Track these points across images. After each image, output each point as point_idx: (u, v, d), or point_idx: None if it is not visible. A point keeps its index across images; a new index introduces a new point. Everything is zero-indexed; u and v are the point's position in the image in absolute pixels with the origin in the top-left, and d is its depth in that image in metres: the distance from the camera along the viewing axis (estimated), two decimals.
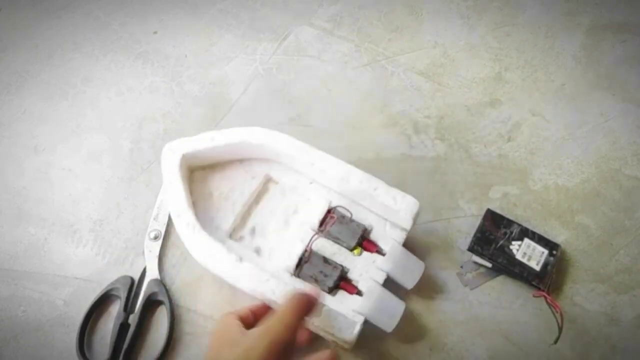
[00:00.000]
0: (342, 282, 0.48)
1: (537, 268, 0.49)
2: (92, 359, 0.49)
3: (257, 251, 0.50)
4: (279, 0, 0.69)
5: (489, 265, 0.50)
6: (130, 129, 0.61)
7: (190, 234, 0.47)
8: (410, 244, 0.49)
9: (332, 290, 0.47)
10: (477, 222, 0.52)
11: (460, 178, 0.56)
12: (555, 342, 0.47)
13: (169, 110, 0.62)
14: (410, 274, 0.48)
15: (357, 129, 0.60)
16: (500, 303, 0.50)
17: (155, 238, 0.54)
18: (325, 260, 0.49)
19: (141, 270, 0.52)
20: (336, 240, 0.49)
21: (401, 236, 0.49)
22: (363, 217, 0.50)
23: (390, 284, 0.48)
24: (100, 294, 0.51)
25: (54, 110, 0.63)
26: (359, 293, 0.47)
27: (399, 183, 0.52)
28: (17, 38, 0.68)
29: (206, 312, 0.50)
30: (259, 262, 0.49)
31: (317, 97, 0.62)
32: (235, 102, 0.62)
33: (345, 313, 0.46)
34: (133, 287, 0.51)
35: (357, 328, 0.45)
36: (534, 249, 0.50)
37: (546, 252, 0.50)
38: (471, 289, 0.51)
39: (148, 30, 0.68)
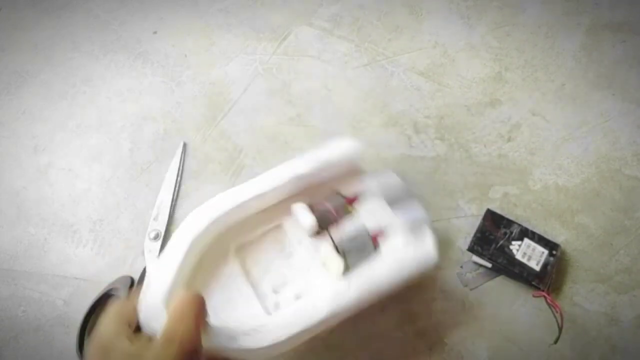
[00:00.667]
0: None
1: (537, 268, 0.49)
2: None
3: (275, 306, 0.45)
4: (278, 0, 0.69)
5: (489, 265, 0.50)
6: (130, 129, 0.61)
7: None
8: None
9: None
10: (477, 222, 0.52)
11: (460, 178, 0.56)
12: (555, 342, 0.47)
13: (169, 110, 0.62)
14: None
15: (357, 129, 0.60)
16: (500, 303, 0.50)
17: (155, 238, 0.54)
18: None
19: (141, 270, 0.52)
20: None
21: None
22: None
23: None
24: (100, 294, 0.51)
25: (53, 110, 0.63)
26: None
27: None
28: (17, 38, 0.68)
29: None
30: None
31: (317, 97, 0.62)
32: (235, 102, 0.62)
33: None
34: (133, 287, 0.51)
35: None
36: (534, 249, 0.50)
37: (546, 252, 0.50)
38: (471, 289, 0.51)
39: (148, 29, 0.68)
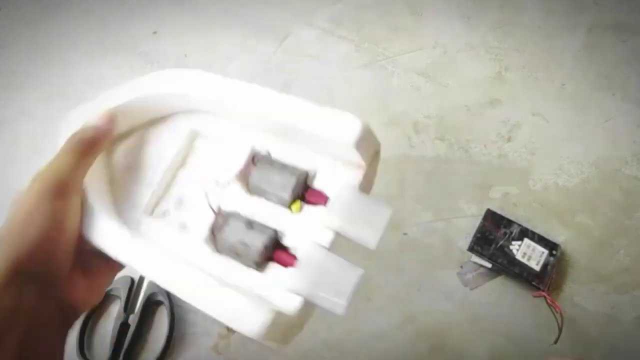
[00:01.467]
0: (275, 251, 0.34)
1: (537, 268, 0.49)
2: (92, 359, 0.49)
3: (183, 227, 0.37)
4: (278, 0, 0.69)
5: (489, 265, 0.50)
6: None
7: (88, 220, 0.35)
8: (408, 243, 0.49)
9: (260, 265, 0.34)
10: (477, 222, 0.52)
11: (460, 178, 0.56)
12: (555, 342, 0.47)
13: None
14: (368, 226, 0.32)
15: None
16: (500, 303, 0.50)
17: None
18: (249, 224, 0.35)
19: None
20: (262, 194, 0.35)
21: (355, 176, 0.34)
22: (306, 159, 0.36)
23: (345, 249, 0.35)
24: None
25: (53, 110, 0.62)
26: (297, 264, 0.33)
27: (399, 183, 0.52)
28: (17, 37, 0.68)
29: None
30: (183, 241, 0.36)
31: (317, 97, 0.62)
32: None
33: (276, 295, 0.32)
34: (133, 287, 0.51)
35: (296, 306, 0.31)
36: (534, 249, 0.50)
37: (546, 252, 0.50)
38: (471, 289, 0.51)
39: (148, 29, 0.68)
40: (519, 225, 0.51)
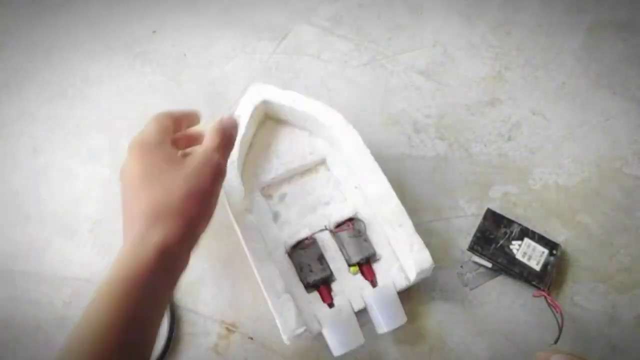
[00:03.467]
0: (322, 286, 0.47)
1: (537, 268, 0.49)
2: None
3: (275, 215, 0.51)
4: None
5: (489, 265, 0.50)
6: (130, 128, 0.61)
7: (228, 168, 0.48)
8: None
9: (308, 287, 0.47)
10: (477, 221, 0.52)
11: (460, 177, 0.56)
12: (556, 342, 0.47)
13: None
14: (387, 320, 0.46)
15: (356, 128, 0.59)
16: (500, 303, 0.50)
17: None
18: (320, 258, 0.48)
19: None
20: (341, 247, 0.49)
21: (401, 283, 0.48)
22: (380, 243, 0.49)
23: (364, 316, 0.47)
24: None
25: (53, 109, 0.62)
26: (331, 305, 0.47)
27: (399, 183, 0.52)
28: (16, 37, 0.68)
29: (206, 312, 0.50)
30: (268, 225, 0.50)
31: (316, 96, 0.62)
32: (235, 101, 0.62)
33: (306, 314, 0.45)
34: None
35: (299, 331, 0.43)
36: (534, 249, 0.50)
37: (546, 251, 0.50)
38: (471, 289, 0.51)
39: (147, 29, 0.68)
40: (519, 224, 0.51)
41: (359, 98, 0.62)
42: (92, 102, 0.63)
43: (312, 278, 0.47)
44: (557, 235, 0.53)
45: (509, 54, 0.64)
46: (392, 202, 0.48)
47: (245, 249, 0.47)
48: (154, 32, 0.68)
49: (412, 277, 0.47)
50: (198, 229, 0.38)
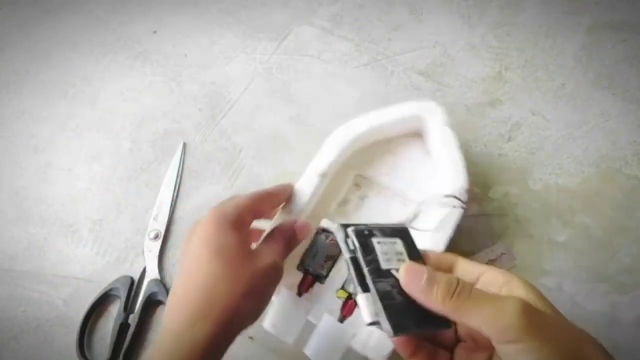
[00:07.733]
0: (309, 276, 0.45)
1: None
2: (92, 359, 0.49)
3: (362, 197, 0.52)
4: None
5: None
6: (130, 128, 0.61)
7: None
8: None
9: (300, 265, 0.46)
10: (477, 221, 0.52)
11: None
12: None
13: (168, 110, 0.62)
14: (315, 347, 0.43)
15: None
16: None
17: (155, 238, 0.54)
18: (330, 258, 0.45)
19: (141, 270, 0.52)
20: (350, 266, 0.42)
21: (357, 346, 0.44)
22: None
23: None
24: (100, 294, 0.51)
25: (53, 110, 0.62)
26: (299, 294, 0.45)
27: None
28: (17, 37, 0.68)
29: None
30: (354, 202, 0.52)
31: (317, 96, 0.62)
32: (235, 101, 0.62)
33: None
34: (133, 287, 0.51)
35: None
36: (389, 248, 0.35)
37: (399, 240, 0.35)
38: None
39: (148, 29, 0.68)
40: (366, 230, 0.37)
41: (359, 98, 0.62)
42: (92, 102, 0.63)
43: (308, 265, 0.45)
44: (558, 235, 0.53)
45: (508, 55, 0.64)
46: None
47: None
48: (155, 32, 0.68)
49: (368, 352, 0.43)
50: (245, 325, 0.37)
